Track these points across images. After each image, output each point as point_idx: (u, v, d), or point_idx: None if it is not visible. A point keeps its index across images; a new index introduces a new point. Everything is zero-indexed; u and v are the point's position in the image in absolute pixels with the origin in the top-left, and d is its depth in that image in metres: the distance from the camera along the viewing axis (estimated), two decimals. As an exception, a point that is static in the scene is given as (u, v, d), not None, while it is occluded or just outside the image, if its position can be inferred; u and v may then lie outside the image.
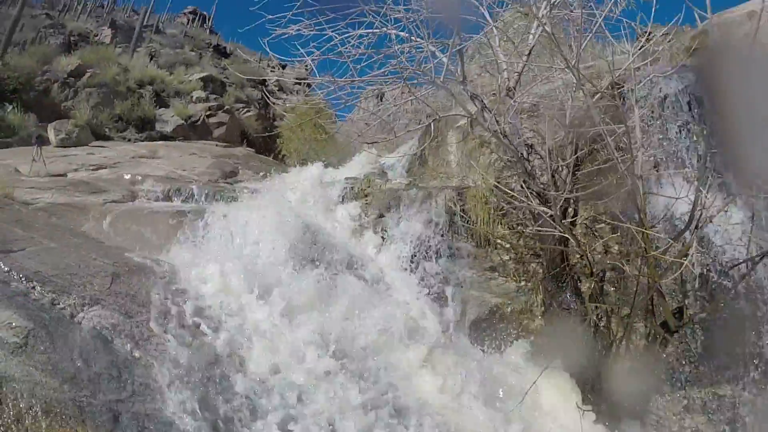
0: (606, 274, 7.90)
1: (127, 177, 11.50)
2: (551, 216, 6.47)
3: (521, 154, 6.89)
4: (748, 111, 2.88)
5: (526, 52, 7.26)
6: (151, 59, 24.12)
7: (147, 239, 8.17)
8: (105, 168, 12.72)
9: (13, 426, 3.36)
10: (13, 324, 4.26)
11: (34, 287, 5.03)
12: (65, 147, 15.82)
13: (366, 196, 10.56)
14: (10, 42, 21.51)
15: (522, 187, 7.57)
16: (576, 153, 7.74)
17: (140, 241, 8.04)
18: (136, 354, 4.87)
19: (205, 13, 42.91)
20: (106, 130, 18.44)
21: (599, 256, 7.96)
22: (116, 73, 20.33)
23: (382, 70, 6.45)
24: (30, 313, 4.55)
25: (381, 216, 9.81)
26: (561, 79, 8.16)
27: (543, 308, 8.20)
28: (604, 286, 7.73)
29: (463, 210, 9.42)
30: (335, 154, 17.08)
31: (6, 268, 5.15)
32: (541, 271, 8.44)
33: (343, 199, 10.78)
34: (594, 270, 7.63)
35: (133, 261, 6.79)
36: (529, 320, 8.24)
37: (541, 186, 6.96)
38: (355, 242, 9.40)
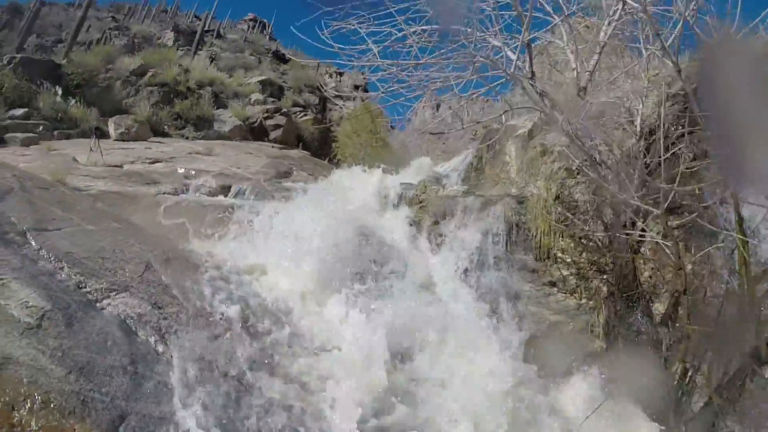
0: (679, 295, 7.28)
1: (181, 171, 11.39)
2: (624, 225, 5.97)
3: (594, 158, 6.36)
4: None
5: (597, 51, 6.74)
6: (211, 62, 24.36)
7: (194, 231, 7.93)
8: (161, 162, 12.69)
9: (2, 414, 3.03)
10: (30, 303, 3.93)
11: (62, 268, 4.69)
12: (124, 141, 16.05)
13: (421, 202, 10.16)
14: (76, 41, 22.02)
15: (593, 195, 7.08)
16: (647, 161, 7.22)
17: (186, 232, 7.81)
18: (160, 348, 4.47)
19: (265, 20, 43.47)
20: (165, 127, 18.67)
21: (670, 275, 7.37)
22: (177, 73, 20.60)
23: (449, 57, 5.99)
24: (51, 294, 4.21)
25: (436, 223, 9.39)
26: (628, 84, 7.67)
27: (606, 329, 7.63)
28: (679, 309, 7.10)
29: (523, 221, 8.92)
30: (390, 160, 16.78)
31: (37, 246, 4.85)
32: (605, 288, 7.88)
33: (397, 205, 10.41)
34: (666, 290, 7.06)
35: (173, 250, 6.47)
36: (589, 341, 7.67)
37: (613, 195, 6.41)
38: (409, 248, 8.97)
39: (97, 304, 4.51)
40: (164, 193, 9.74)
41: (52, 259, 4.79)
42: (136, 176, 10.58)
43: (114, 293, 4.72)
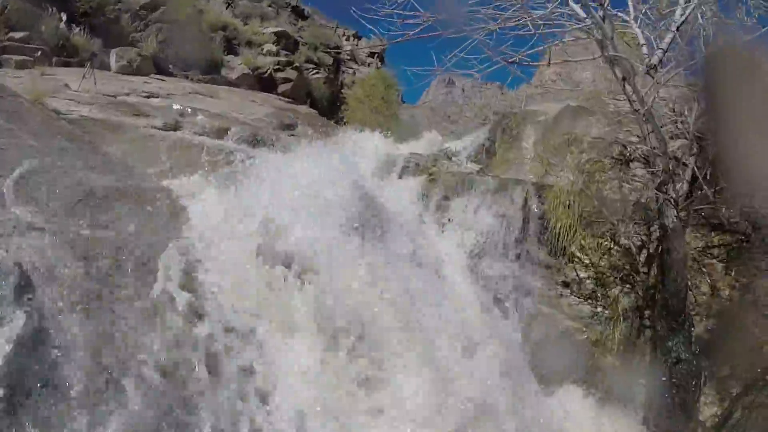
0: (710, 320, 6.25)
1: (177, 107, 10.20)
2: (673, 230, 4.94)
3: (665, 148, 5.26)
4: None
5: (673, 28, 5.57)
6: (227, 7, 22.95)
7: (174, 172, 6.80)
8: (157, 97, 11.53)
9: None
10: None
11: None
12: (124, 74, 14.85)
13: (431, 174, 9.02)
14: (86, -32, 20.64)
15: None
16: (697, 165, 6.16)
17: (166, 172, 6.67)
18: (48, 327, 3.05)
19: (288, -28, 41.77)
20: (170, 66, 17.39)
21: (704, 297, 6.33)
22: (190, 13, 19.26)
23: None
24: None
25: (446, 198, 8.29)
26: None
27: (620, 344, 6.61)
28: (710, 337, 6.07)
29: (542, 210, 7.84)
30: (399, 131, 15.74)
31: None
32: (625, 300, 6.84)
33: (402, 174, 9.29)
34: (697, 312, 6.04)
35: (131, 184, 5.08)
36: (601, 355, 6.66)
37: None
38: (413, 221, 7.87)
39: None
40: (152, 127, 8.57)
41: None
42: (125, 106, 9.42)
43: (16, 234, 3.30)
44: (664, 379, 5.50)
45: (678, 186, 5.98)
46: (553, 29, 4.97)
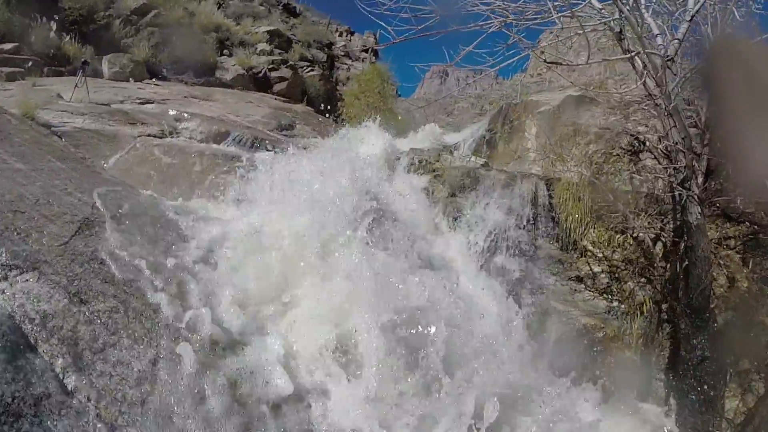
0: (729, 313, 6.00)
1: (172, 113, 9.90)
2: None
3: (690, 143, 4.98)
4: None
5: (687, 18, 5.27)
6: (219, 7, 22.56)
7: (171, 181, 6.51)
8: (152, 103, 11.22)
9: None
10: None
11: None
12: (117, 81, 14.54)
13: (434, 170, 8.75)
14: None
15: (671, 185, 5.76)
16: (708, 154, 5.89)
17: (161, 181, 6.39)
18: (69, 382, 2.58)
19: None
20: (164, 70, 17.10)
21: (722, 290, 6.07)
22: (181, 16, 18.94)
23: None
24: None
25: (453, 195, 8.02)
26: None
27: (638, 339, 6.36)
28: (730, 330, 5.81)
29: (551, 204, 7.58)
30: (396, 126, 15.43)
31: None
32: (640, 293, 6.58)
33: (406, 171, 9.01)
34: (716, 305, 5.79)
35: (136, 205, 4.60)
36: (619, 350, 6.41)
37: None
38: (422, 220, 7.60)
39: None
40: (148, 135, 8.28)
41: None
42: (119, 115, 9.11)
43: (15, 273, 2.84)
44: (689, 377, 5.24)
45: (700, 180, 5.71)
46: (572, 20, 4.66)
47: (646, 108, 7.19)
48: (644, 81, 4.68)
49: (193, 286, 3.98)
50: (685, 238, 5.56)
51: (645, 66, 4.67)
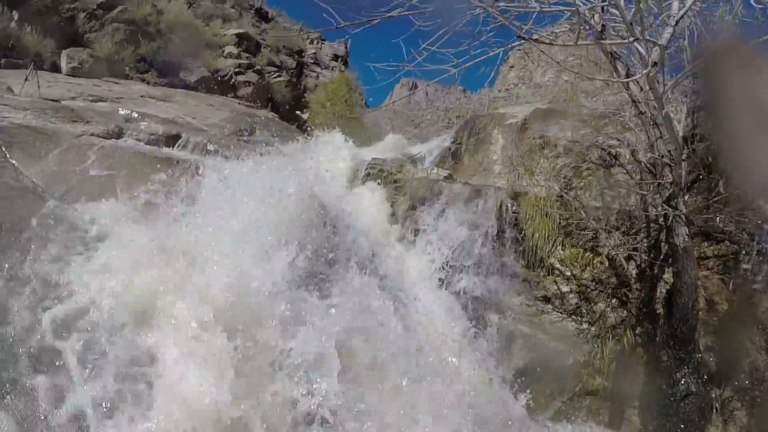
0: (708, 338, 5.54)
1: (123, 112, 9.19)
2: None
3: (679, 156, 4.49)
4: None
5: (672, 23, 4.78)
6: (189, 6, 21.83)
7: (101, 184, 5.87)
8: (105, 101, 10.47)
9: None
10: None
11: None
12: (75, 76, 13.75)
13: (396, 182, 8.20)
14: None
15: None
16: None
17: (93, 188, 5.75)
18: None
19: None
20: (126, 68, 16.33)
21: (701, 313, 5.62)
22: (149, 13, 18.17)
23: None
24: None
25: (413, 208, 7.49)
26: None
27: (610, 364, 5.89)
28: (710, 357, 5.35)
29: (516, 219, 7.09)
30: (362, 135, 14.95)
31: None
32: (613, 316, 6.12)
33: (365, 181, 8.46)
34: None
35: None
36: (590, 377, 5.93)
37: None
38: (378, 234, 7.05)
39: None
40: (91, 134, 7.56)
41: None
42: (64, 112, 8.36)
43: None
44: (671, 415, 4.76)
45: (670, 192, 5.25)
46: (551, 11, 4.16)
47: (622, 119, 6.78)
48: (627, 85, 4.20)
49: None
50: (670, 261, 5.09)
51: (628, 69, 4.20)
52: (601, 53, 5.88)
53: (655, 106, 4.38)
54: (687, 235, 4.72)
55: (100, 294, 4.34)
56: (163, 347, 4.12)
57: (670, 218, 4.73)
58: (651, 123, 4.52)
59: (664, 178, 4.68)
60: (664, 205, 4.74)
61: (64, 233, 4.79)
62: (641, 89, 4.41)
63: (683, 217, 4.72)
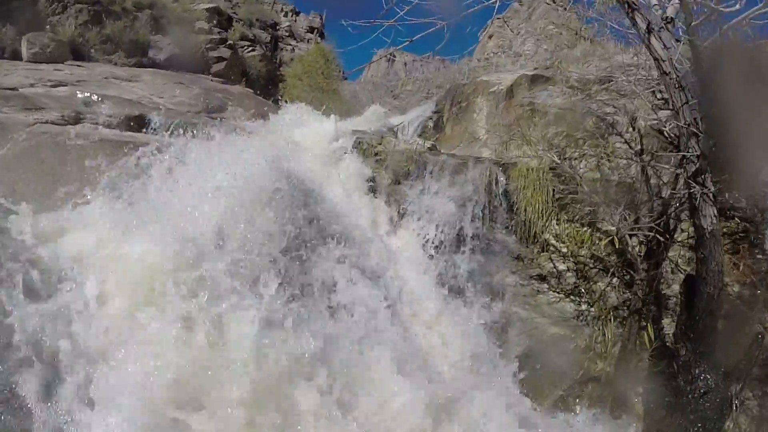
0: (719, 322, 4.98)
1: (81, 96, 8.43)
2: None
3: (698, 127, 3.87)
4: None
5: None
6: (157, -17, 20.74)
7: (56, 179, 5.20)
8: (66, 86, 9.67)
9: None
10: None
11: None
12: (37, 62, 12.80)
13: (377, 154, 7.52)
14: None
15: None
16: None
17: (44, 181, 5.09)
18: None
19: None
20: (92, 50, 15.37)
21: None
22: (114, -9, 17.12)
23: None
24: None
25: (397, 183, 6.85)
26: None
27: (612, 347, 5.36)
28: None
29: (506, 192, 6.49)
30: (340, 108, 14.23)
31: None
32: (614, 295, 5.58)
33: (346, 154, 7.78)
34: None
35: None
36: (591, 362, 5.41)
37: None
38: (361, 213, 6.42)
39: None
40: (46, 122, 6.82)
41: None
42: (16, 99, 7.59)
43: None
44: (689, 413, 4.23)
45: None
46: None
47: (629, 83, 6.15)
48: (648, 42, 3.57)
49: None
50: (696, 246, 4.45)
51: (649, 23, 3.57)
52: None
53: (679, 65, 3.74)
54: (714, 216, 4.09)
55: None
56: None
57: (698, 197, 4.08)
58: (676, 86, 3.85)
59: (690, 150, 4.02)
60: (690, 181, 4.09)
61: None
62: (664, 47, 3.78)
63: (711, 195, 4.09)
